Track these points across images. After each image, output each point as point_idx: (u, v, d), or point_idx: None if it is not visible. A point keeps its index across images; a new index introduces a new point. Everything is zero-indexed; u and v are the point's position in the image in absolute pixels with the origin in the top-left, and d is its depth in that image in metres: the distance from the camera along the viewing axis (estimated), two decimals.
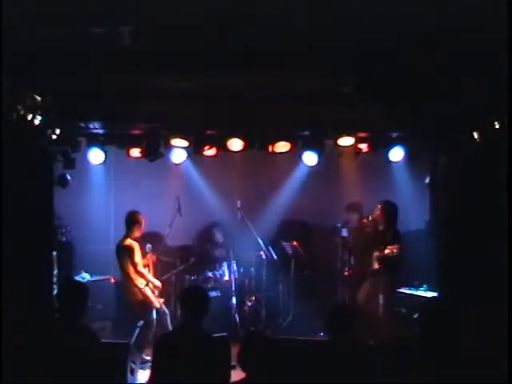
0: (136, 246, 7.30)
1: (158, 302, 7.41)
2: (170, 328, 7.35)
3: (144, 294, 7.27)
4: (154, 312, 7.39)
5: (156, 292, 7.45)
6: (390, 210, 7.84)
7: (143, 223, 7.46)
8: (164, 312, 7.50)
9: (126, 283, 7.38)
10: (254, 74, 5.71)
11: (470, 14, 4.57)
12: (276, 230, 9.60)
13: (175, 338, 4.75)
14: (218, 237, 9.31)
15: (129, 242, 7.30)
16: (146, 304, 7.29)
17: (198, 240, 9.64)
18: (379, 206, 7.89)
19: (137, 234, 7.41)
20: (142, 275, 7.30)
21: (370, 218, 8.06)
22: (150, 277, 7.45)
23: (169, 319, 7.50)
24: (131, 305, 7.38)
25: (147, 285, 7.31)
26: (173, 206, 8.57)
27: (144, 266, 7.47)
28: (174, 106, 6.79)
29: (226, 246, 9.18)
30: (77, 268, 8.54)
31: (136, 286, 7.25)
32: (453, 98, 6.07)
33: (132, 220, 7.42)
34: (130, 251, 7.24)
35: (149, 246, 7.73)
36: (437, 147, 7.37)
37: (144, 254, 7.57)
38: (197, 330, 4.58)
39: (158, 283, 7.50)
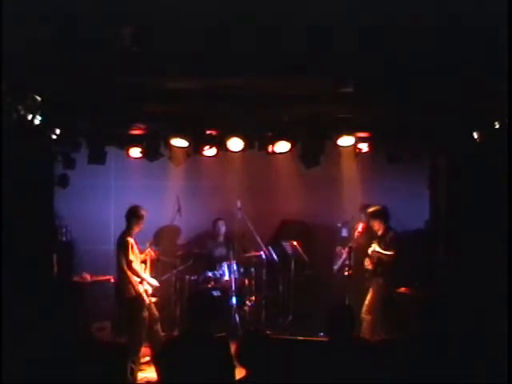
0: (132, 242, 7.22)
1: (148, 300, 7.34)
2: (161, 331, 7.30)
3: (137, 291, 7.22)
4: (146, 310, 7.31)
5: (150, 291, 7.38)
6: (385, 215, 7.67)
7: (143, 219, 7.36)
8: (154, 313, 7.36)
9: (120, 278, 7.31)
10: (254, 74, 5.71)
11: (471, 13, 4.57)
12: (276, 230, 9.60)
13: (182, 340, 4.75)
14: (222, 232, 9.27)
15: (126, 238, 7.25)
16: (138, 301, 7.24)
17: (200, 237, 9.59)
18: (369, 212, 7.66)
19: (136, 229, 7.33)
20: (135, 273, 7.25)
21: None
22: (145, 275, 7.38)
23: (159, 324, 7.37)
24: (123, 300, 7.29)
25: (141, 282, 7.26)
26: (173, 206, 8.57)
27: (141, 262, 7.43)
28: (174, 106, 6.79)
29: (226, 245, 9.16)
30: (77, 268, 8.54)
31: (130, 282, 7.19)
32: (452, 98, 6.07)
33: (131, 215, 7.34)
34: (125, 247, 7.19)
35: (149, 242, 7.69)
36: (437, 147, 7.37)
37: (142, 250, 7.51)
38: (203, 333, 4.60)
39: (153, 282, 7.42)
